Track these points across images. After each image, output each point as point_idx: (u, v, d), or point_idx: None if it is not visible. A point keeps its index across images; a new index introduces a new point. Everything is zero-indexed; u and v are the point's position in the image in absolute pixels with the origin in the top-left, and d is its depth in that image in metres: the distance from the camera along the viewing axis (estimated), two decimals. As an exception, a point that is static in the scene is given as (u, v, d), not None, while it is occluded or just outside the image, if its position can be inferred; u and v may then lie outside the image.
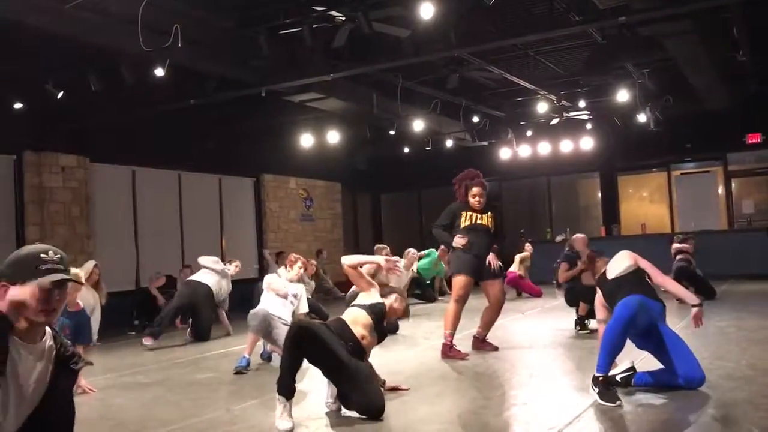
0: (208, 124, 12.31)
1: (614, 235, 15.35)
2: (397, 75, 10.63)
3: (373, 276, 8.16)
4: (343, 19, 7.39)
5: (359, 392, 4.18)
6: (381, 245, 8.96)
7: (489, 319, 6.50)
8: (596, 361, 4.34)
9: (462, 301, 6.26)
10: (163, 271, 10.71)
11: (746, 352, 5.69)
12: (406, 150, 15.27)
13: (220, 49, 8.40)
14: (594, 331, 7.23)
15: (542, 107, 12.94)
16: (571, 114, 13.61)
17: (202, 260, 8.93)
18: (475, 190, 6.33)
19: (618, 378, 4.43)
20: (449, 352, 6.16)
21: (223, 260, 9.30)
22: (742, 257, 13.40)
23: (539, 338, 7.26)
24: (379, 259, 5.26)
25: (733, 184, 15.12)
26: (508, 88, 12.44)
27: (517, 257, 12.24)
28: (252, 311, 6.35)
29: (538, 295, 11.93)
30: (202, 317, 8.59)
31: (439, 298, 12.22)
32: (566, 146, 15.00)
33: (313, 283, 9.99)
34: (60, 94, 9.06)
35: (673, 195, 15.56)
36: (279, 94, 10.18)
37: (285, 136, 13.77)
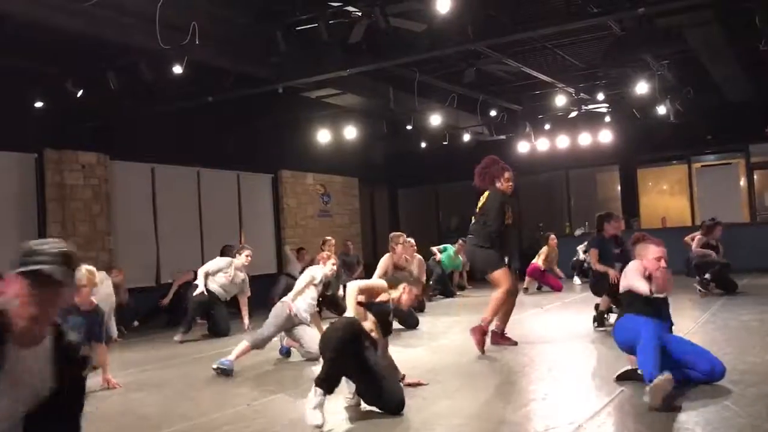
0: (226, 121, 12.38)
1: (634, 228, 15.18)
2: (414, 69, 10.60)
3: (400, 267, 8.20)
4: (360, 14, 7.38)
5: (378, 388, 4.19)
6: (397, 233, 8.90)
7: (506, 311, 6.45)
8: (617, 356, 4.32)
9: (515, 293, 6.32)
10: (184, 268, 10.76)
11: (770, 346, 5.62)
12: (423, 145, 15.23)
13: (237, 45, 8.42)
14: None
15: (560, 100, 12.86)
16: (590, 107, 13.49)
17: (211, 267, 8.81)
18: (507, 174, 6.35)
19: (639, 370, 4.39)
20: (498, 338, 6.32)
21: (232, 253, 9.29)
22: (765, 250, 13.24)
23: (558, 333, 7.23)
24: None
25: (755, 176, 14.92)
26: (526, 82, 12.37)
27: (543, 250, 12.22)
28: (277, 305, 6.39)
29: (559, 289, 11.88)
30: (218, 314, 8.66)
31: (458, 293, 12.20)
32: (585, 139, 14.86)
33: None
34: (80, 93, 9.15)
35: (694, 188, 15.38)
36: (296, 90, 10.20)
37: (302, 132, 13.80)
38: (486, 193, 6.39)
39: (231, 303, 8.93)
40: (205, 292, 8.43)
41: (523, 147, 15.32)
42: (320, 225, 15.50)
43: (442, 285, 12.04)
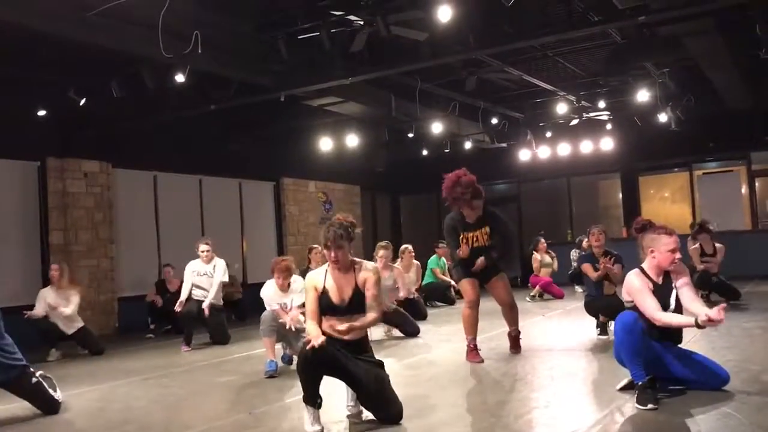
0: (228, 129, 12.42)
1: (635, 236, 15.18)
2: (416, 77, 10.64)
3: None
4: (362, 23, 7.41)
5: (376, 401, 4.18)
6: (382, 243, 8.85)
7: (509, 317, 6.44)
8: (618, 365, 4.32)
9: (474, 305, 6.14)
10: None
11: (772, 354, 5.61)
12: (425, 152, 15.26)
13: (239, 54, 8.46)
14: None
15: (561, 108, 12.89)
16: (591, 114, 13.52)
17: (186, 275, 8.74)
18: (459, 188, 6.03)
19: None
20: (470, 355, 6.15)
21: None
22: (766, 258, 13.23)
23: (560, 341, 7.22)
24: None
25: (757, 184, 14.92)
26: (527, 90, 12.40)
27: (537, 261, 12.22)
28: (263, 315, 6.36)
29: (561, 296, 11.88)
30: (215, 322, 8.55)
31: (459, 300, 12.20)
32: (586, 147, 14.89)
33: None
34: (82, 101, 9.19)
35: (696, 195, 15.38)
36: (298, 98, 10.23)
37: (304, 139, 13.83)
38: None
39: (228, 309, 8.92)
40: (185, 302, 8.34)
41: (524, 155, 15.35)
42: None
43: (440, 292, 12.06)
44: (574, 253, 12.83)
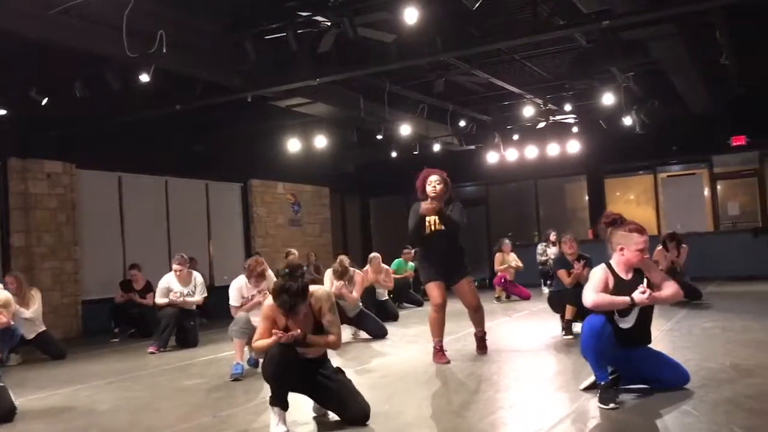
0: (194, 130, 12.29)
1: (602, 237, 15.39)
2: (384, 79, 10.66)
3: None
4: (329, 24, 7.41)
5: (341, 404, 4.19)
6: (341, 258, 8.72)
7: (475, 319, 6.48)
8: (583, 364, 4.37)
9: (440, 308, 6.16)
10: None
11: (731, 353, 5.73)
12: (394, 154, 15.29)
13: (205, 54, 8.39)
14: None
15: (528, 111, 13.02)
16: (558, 117, 13.68)
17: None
18: (421, 182, 6.17)
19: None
20: (436, 356, 6.18)
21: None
22: (728, 259, 13.54)
23: (526, 341, 7.28)
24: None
25: (718, 186, 15.23)
26: (495, 93, 12.51)
27: (498, 261, 12.29)
28: (237, 316, 6.35)
29: (527, 297, 11.99)
30: (187, 324, 8.45)
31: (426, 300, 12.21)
32: (553, 150, 15.06)
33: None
34: (44, 101, 9.02)
35: (660, 197, 15.66)
36: (265, 98, 10.18)
37: (272, 140, 13.76)
38: None
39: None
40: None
41: (492, 157, 15.47)
42: (291, 234, 15.45)
43: (405, 293, 12.09)
44: (540, 247, 12.99)
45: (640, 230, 4.43)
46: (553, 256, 11.19)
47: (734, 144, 14.46)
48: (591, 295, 4.33)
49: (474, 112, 13.65)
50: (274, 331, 4.03)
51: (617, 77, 11.34)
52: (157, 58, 7.40)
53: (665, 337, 6.73)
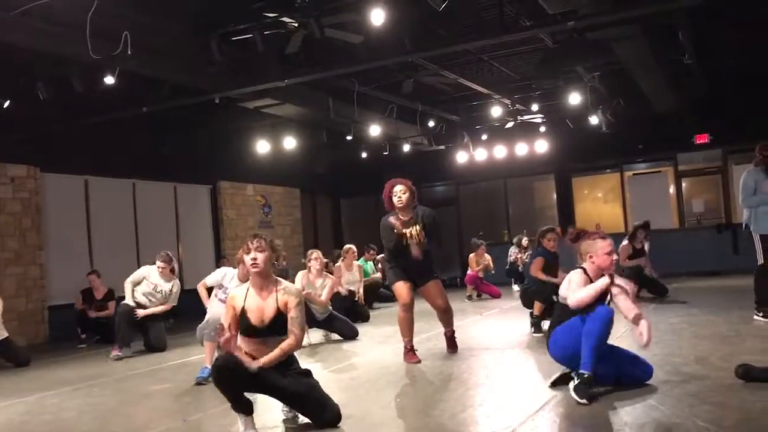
0: (162, 132, 12.16)
1: (571, 245, 15.58)
2: (353, 80, 10.66)
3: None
4: (296, 25, 7.39)
5: (309, 407, 4.13)
6: (310, 251, 8.66)
7: (444, 320, 6.51)
8: (552, 361, 4.41)
9: (408, 308, 6.16)
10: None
11: (696, 347, 5.83)
12: (364, 155, 15.30)
13: (172, 55, 8.31)
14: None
15: (496, 111, 13.14)
16: (525, 117, 13.83)
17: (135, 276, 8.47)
18: (388, 191, 6.19)
19: (573, 374, 4.50)
20: (407, 356, 6.20)
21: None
22: (693, 255, 13.79)
23: (496, 340, 7.33)
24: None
25: (683, 184, 15.52)
26: (463, 93, 12.60)
27: (471, 257, 12.34)
28: (203, 322, 6.24)
29: (497, 296, 12.07)
30: (153, 328, 8.36)
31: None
32: (521, 149, 15.23)
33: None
34: (6, 103, 8.86)
35: (627, 195, 15.89)
36: (234, 100, 10.13)
37: (241, 142, 13.68)
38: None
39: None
40: (132, 303, 8.18)
41: (461, 157, 15.57)
42: (261, 236, 15.33)
43: (374, 293, 12.09)
44: (513, 249, 13.10)
45: (603, 236, 4.68)
46: (527, 259, 11.17)
47: (698, 142, 14.75)
48: (574, 294, 4.48)
49: (443, 112, 13.72)
50: (223, 338, 3.84)
51: (583, 77, 11.51)
52: (122, 60, 7.32)
53: (632, 332, 6.82)
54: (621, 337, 5.91)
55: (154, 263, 8.36)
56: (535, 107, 13.16)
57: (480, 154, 15.43)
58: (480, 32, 8.88)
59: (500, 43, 9.44)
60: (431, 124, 14.17)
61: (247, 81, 9.22)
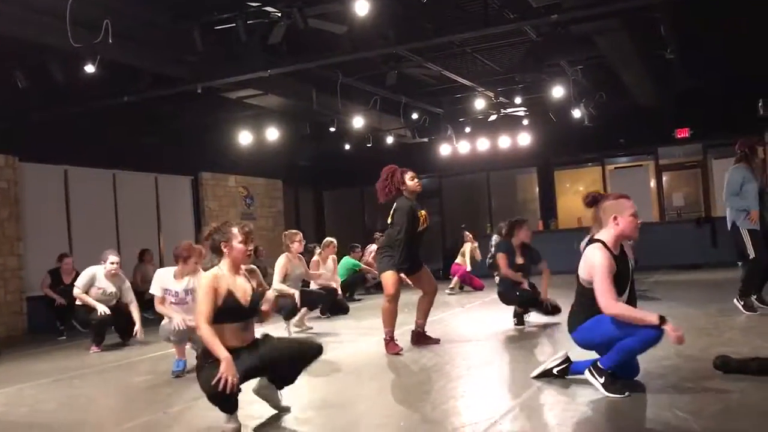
0: (143, 122, 12.02)
1: (551, 228, 15.72)
2: (337, 71, 10.61)
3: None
4: (279, 15, 7.34)
5: (293, 357, 4.12)
6: (292, 231, 8.43)
7: (425, 309, 6.52)
8: (533, 353, 4.43)
9: (393, 299, 6.18)
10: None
11: (675, 339, 5.88)
12: (348, 146, 15.26)
13: (153, 44, 8.23)
14: (532, 326, 7.40)
15: (480, 104, 13.16)
16: (508, 110, 13.87)
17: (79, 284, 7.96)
18: (410, 174, 6.22)
19: (555, 371, 4.53)
20: (388, 346, 6.21)
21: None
22: (673, 248, 13.90)
23: (479, 331, 7.37)
24: None
25: (664, 178, 15.65)
26: (447, 85, 12.59)
27: (465, 248, 12.38)
28: (163, 323, 6.13)
29: (480, 288, 12.12)
30: (123, 322, 7.95)
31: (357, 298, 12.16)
32: (504, 142, 15.27)
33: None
34: (-16, 92, 8.73)
35: (608, 188, 15.95)
36: (216, 90, 10.04)
37: (223, 133, 13.58)
38: (395, 204, 6.23)
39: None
40: (101, 309, 7.70)
41: (444, 149, 15.59)
42: (243, 228, 15.26)
43: (355, 286, 12.09)
44: (494, 239, 13.13)
45: (626, 196, 4.27)
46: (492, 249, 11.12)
47: (679, 136, 14.86)
48: (612, 303, 3.98)
49: (426, 104, 13.71)
50: (218, 377, 3.71)
51: (566, 70, 11.54)
52: (102, 49, 7.23)
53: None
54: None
55: (101, 263, 7.83)
56: (518, 100, 13.19)
57: (463, 147, 15.46)
58: (464, 24, 8.88)
59: (484, 35, 9.45)
60: (415, 116, 14.15)
61: (230, 71, 9.15)
